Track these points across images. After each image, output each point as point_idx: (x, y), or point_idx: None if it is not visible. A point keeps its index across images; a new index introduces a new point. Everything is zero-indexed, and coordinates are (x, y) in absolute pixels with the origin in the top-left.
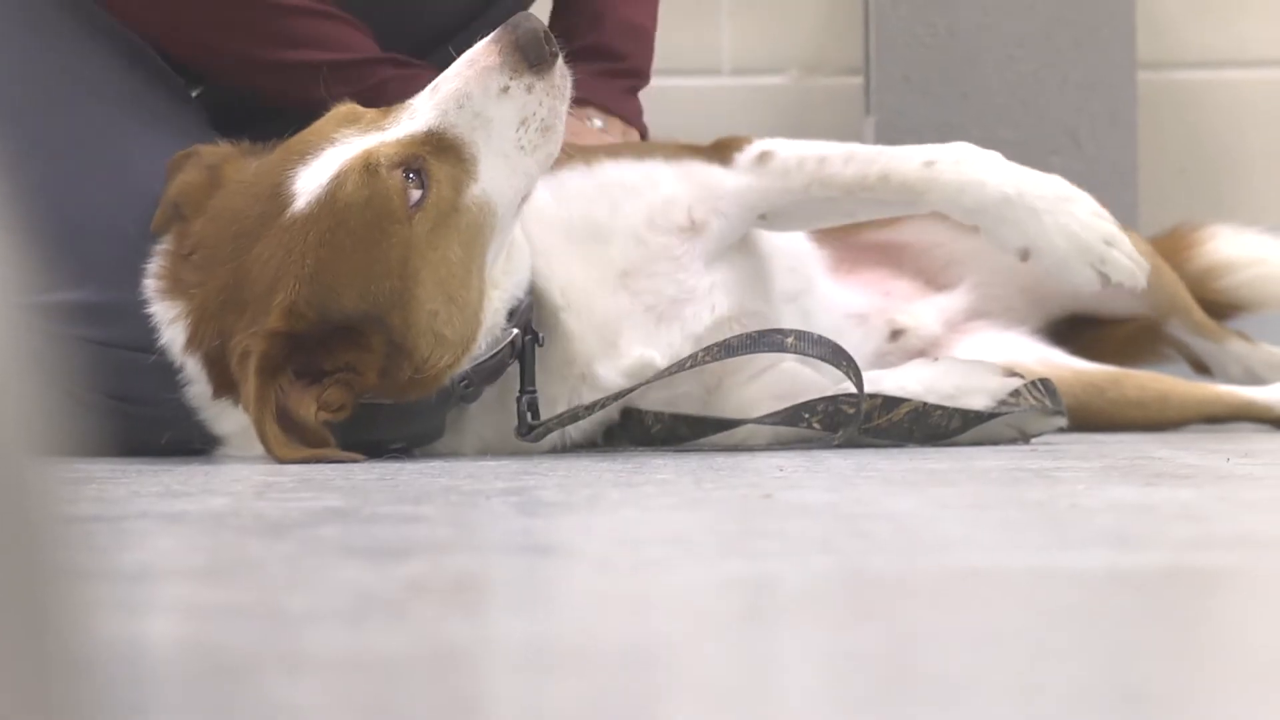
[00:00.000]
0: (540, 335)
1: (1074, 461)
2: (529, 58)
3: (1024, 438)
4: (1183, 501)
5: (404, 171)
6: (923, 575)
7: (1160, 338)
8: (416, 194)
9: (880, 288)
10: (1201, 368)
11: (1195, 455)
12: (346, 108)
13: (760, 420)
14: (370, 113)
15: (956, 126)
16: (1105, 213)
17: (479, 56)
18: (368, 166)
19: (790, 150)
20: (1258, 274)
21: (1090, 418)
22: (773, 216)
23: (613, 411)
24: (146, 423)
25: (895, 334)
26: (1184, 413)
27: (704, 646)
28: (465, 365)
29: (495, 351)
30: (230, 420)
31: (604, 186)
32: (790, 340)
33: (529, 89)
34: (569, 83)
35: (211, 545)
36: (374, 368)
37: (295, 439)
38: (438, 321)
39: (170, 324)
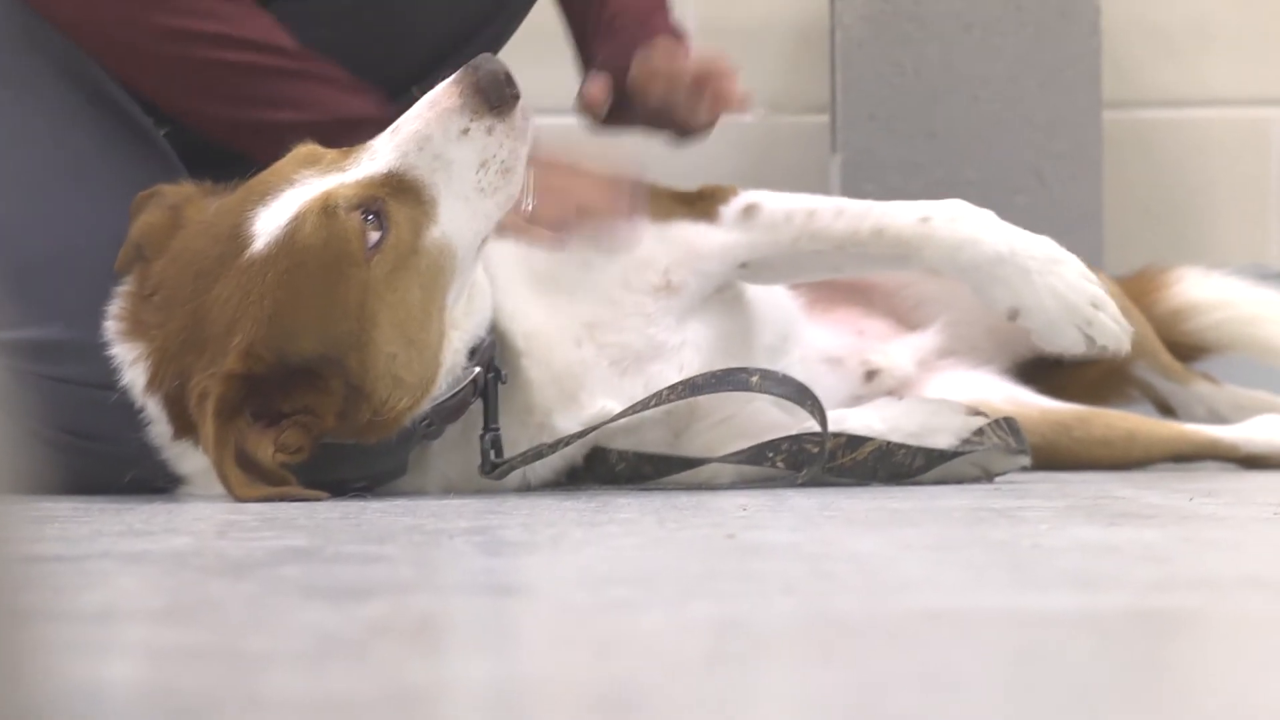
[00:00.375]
0: (503, 373)
1: (1037, 501)
2: (490, 99)
3: (988, 476)
4: (1146, 542)
5: (362, 213)
6: (885, 617)
7: (1127, 379)
8: (375, 236)
9: (854, 326)
10: (1166, 409)
11: (1158, 495)
12: (307, 148)
13: (725, 459)
14: (331, 153)
15: (922, 166)
16: (1092, 276)
17: (440, 98)
18: (326, 208)
19: (777, 203)
20: (1225, 317)
21: (1057, 456)
22: (755, 267)
23: (576, 453)
24: (109, 461)
25: (870, 375)
26: (1150, 451)
27: (667, 688)
28: (425, 406)
29: (457, 390)
30: (192, 460)
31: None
32: (755, 379)
33: (489, 131)
34: (530, 124)
35: (173, 585)
36: (332, 410)
37: (255, 479)
38: (396, 364)
39: (131, 365)
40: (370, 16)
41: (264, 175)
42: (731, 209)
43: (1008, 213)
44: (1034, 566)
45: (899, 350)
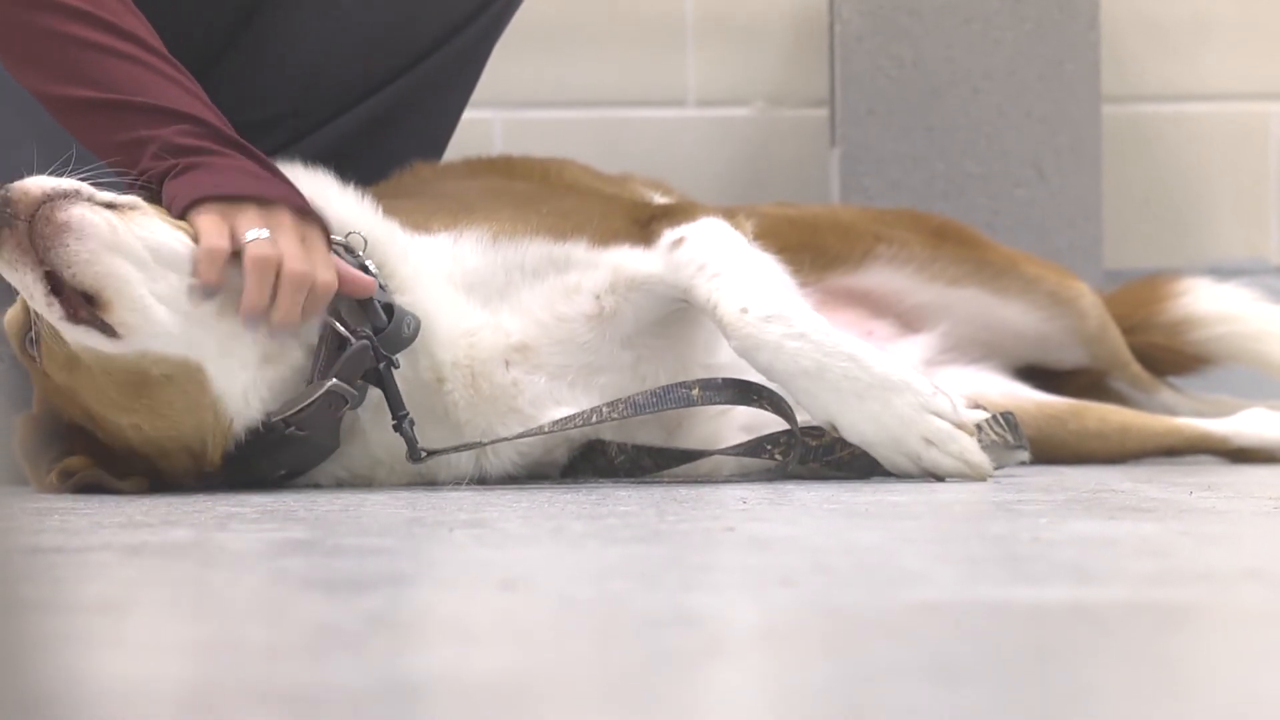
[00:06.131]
0: (395, 359)
1: (1036, 494)
2: None
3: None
4: (1144, 535)
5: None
6: (884, 610)
7: (1105, 390)
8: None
9: (862, 328)
10: None
11: (1157, 488)
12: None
13: (723, 451)
14: None
15: (921, 160)
16: (939, 405)
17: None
18: (9, 318)
19: (699, 247)
20: (1230, 331)
21: (1053, 449)
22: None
23: (560, 452)
24: None
25: None
26: (1144, 444)
27: (667, 681)
28: (240, 433)
29: (310, 400)
30: None
31: (502, 266)
32: (696, 392)
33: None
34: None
35: (173, 577)
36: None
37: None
38: (147, 431)
39: None
40: (348, 13)
41: None
42: (667, 237)
43: (1008, 206)
44: (1033, 560)
45: (906, 352)
